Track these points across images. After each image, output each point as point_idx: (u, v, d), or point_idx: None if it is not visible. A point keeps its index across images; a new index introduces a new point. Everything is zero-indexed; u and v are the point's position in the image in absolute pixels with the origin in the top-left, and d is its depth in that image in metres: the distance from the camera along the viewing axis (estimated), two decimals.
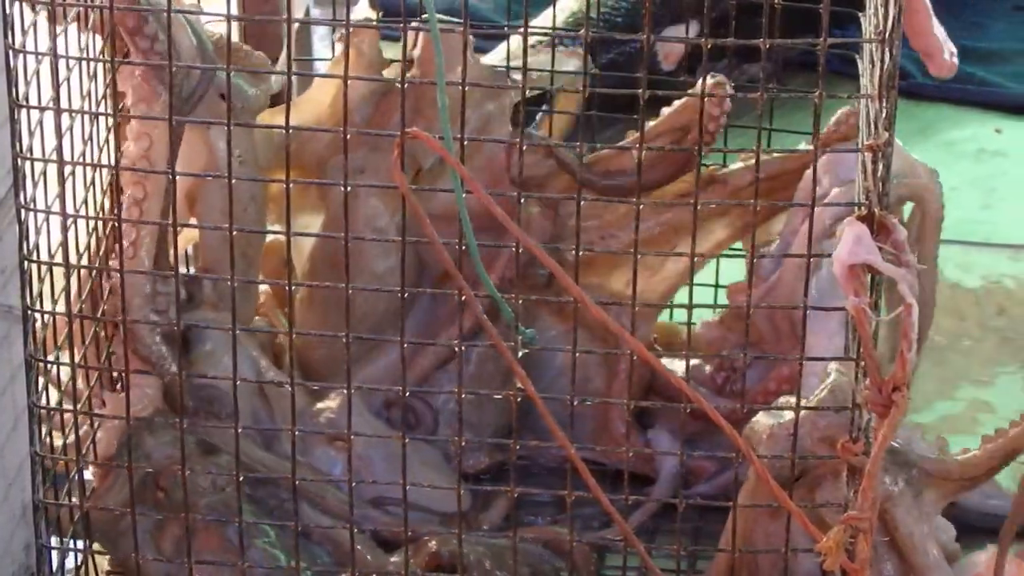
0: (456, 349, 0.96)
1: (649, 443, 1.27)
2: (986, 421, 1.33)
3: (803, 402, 1.04)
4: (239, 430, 0.99)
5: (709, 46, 0.95)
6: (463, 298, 0.94)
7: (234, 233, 1.09)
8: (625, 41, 1.69)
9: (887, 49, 0.90)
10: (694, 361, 1.26)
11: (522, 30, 1.56)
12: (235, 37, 1.61)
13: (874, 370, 0.91)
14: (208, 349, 1.17)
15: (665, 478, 1.25)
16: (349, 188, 0.91)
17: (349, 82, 1.19)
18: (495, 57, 1.71)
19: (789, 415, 1.03)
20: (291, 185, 1.20)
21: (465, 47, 0.89)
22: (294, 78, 1.60)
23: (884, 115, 0.91)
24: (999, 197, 1.66)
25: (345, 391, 1.16)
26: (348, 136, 1.04)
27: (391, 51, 1.25)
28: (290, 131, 1.07)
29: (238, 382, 0.97)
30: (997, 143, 1.76)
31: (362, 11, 2.03)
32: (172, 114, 0.90)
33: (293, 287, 1.25)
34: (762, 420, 1.08)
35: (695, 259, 1.00)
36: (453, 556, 1.01)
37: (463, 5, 1.32)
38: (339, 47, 1.22)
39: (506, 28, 1.31)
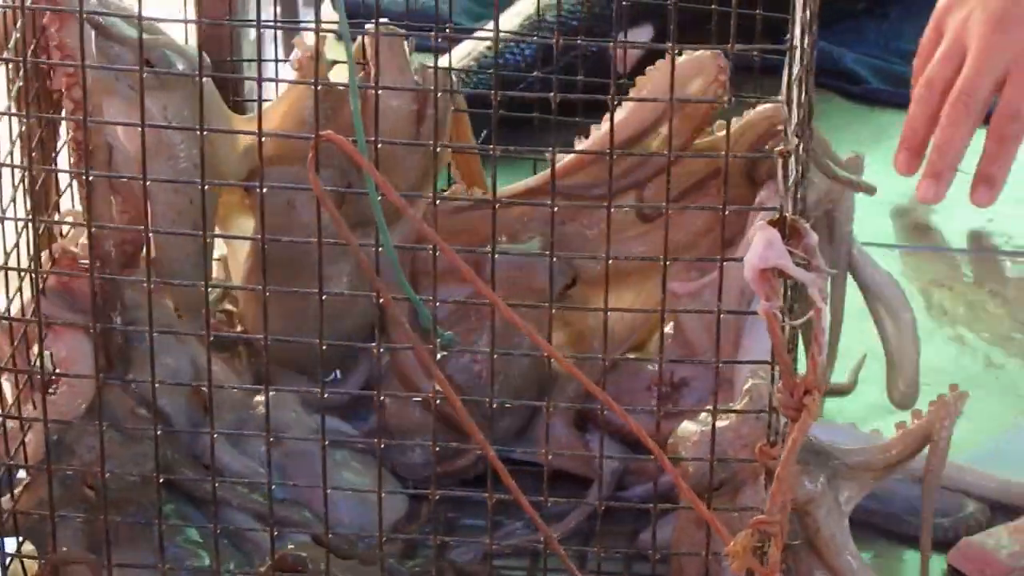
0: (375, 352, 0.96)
1: (587, 445, 1.27)
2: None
3: (701, 431, 1.05)
4: (158, 432, 0.99)
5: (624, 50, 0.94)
6: (380, 300, 0.94)
7: (187, 203, 1.09)
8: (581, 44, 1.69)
9: (793, 56, 0.90)
10: (639, 373, 1.27)
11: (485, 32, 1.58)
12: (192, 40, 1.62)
13: (787, 373, 0.92)
14: (146, 348, 1.17)
15: (609, 483, 1.25)
16: (265, 189, 0.91)
17: (298, 95, 1.20)
18: (455, 57, 1.71)
19: (716, 421, 1.04)
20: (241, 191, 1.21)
21: (376, 49, 0.89)
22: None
23: (794, 122, 0.91)
24: (946, 202, 1.66)
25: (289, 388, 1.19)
26: (288, 150, 1.04)
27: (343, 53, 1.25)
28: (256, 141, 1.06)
29: (157, 384, 0.97)
30: None
31: (325, 13, 2.04)
32: (86, 117, 0.89)
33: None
34: (688, 427, 1.08)
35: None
36: (298, 561, 1.01)
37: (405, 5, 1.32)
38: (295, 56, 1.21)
39: (449, 30, 1.31)
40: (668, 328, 1.29)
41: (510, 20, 1.78)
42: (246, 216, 1.24)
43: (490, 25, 1.68)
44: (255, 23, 0.85)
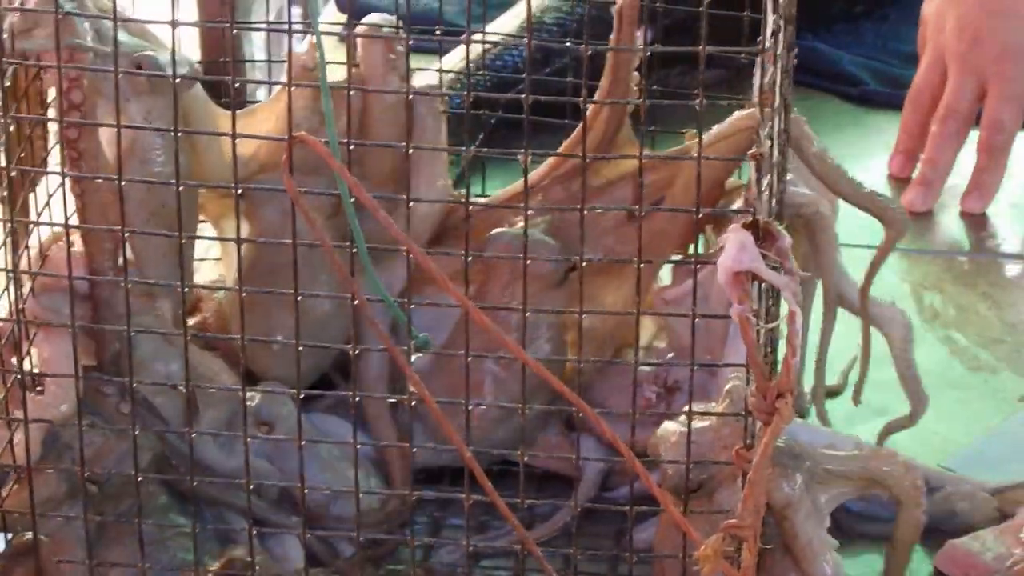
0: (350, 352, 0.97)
1: (573, 445, 1.27)
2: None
3: (706, 409, 1.05)
4: (135, 432, 1.00)
5: (590, 52, 0.95)
6: (355, 302, 0.94)
7: (159, 205, 1.09)
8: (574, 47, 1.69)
9: (764, 61, 0.90)
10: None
11: (477, 35, 1.59)
12: (196, 43, 1.63)
13: (759, 377, 0.92)
14: (139, 355, 1.18)
15: (586, 481, 1.25)
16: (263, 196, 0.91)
17: (294, 96, 1.20)
18: (453, 59, 1.71)
19: (697, 422, 1.03)
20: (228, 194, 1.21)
21: (350, 48, 0.89)
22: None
23: (768, 126, 0.91)
24: (941, 204, 1.67)
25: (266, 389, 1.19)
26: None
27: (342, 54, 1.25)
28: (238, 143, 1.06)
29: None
30: None
31: (329, 14, 2.05)
32: (61, 117, 0.90)
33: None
34: (669, 427, 1.08)
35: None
36: (246, 567, 1.02)
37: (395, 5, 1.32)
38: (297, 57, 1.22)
39: (437, 32, 1.31)
40: (661, 331, 1.30)
41: (509, 22, 1.78)
42: (242, 222, 1.25)
43: (488, 27, 1.68)
44: (228, 23, 0.85)
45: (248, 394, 1.21)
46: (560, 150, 1.26)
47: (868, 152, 1.75)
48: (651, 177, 1.25)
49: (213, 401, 1.18)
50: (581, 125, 1.00)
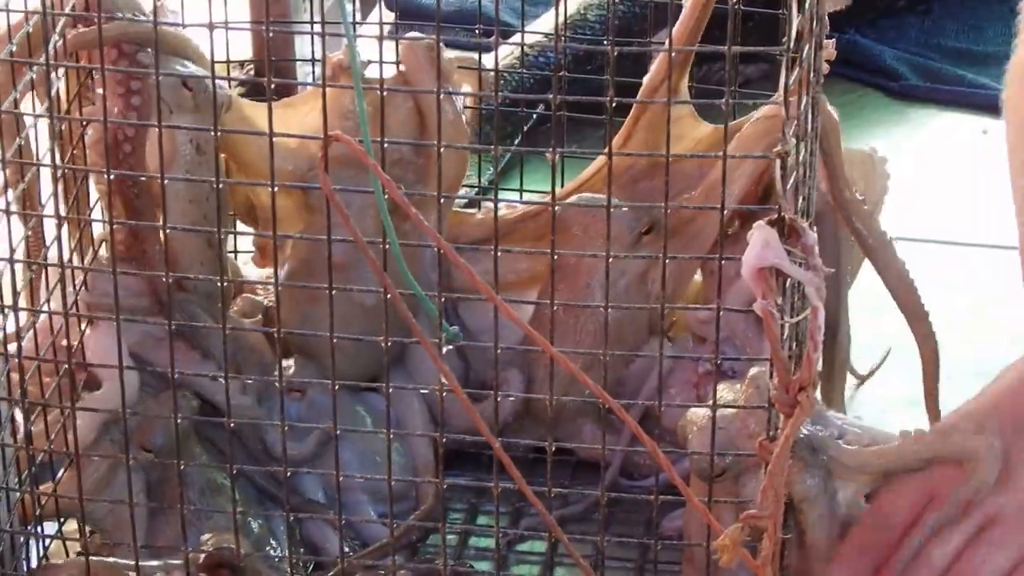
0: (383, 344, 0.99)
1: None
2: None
3: (732, 399, 1.07)
4: (178, 420, 1.03)
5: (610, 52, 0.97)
6: (388, 296, 0.97)
7: (200, 217, 1.12)
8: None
9: (790, 59, 0.92)
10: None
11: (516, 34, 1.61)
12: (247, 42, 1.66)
13: (781, 370, 0.93)
14: (200, 333, 1.21)
15: (614, 469, 1.28)
16: (277, 189, 0.94)
17: (334, 95, 1.23)
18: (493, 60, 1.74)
19: (723, 409, 1.05)
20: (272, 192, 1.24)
21: (381, 50, 0.91)
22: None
23: (793, 124, 0.92)
24: (980, 198, 1.68)
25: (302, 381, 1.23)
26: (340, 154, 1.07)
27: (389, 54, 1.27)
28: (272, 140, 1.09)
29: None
30: (983, 144, 1.77)
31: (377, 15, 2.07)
32: (106, 118, 0.93)
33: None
34: (698, 411, 1.10)
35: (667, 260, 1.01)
36: (232, 556, 1.03)
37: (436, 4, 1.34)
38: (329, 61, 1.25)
39: (478, 31, 1.34)
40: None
41: (551, 20, 1.80)
42: (289, 222, 1.27)
43: (530, 26, 1.70)
44: (264, 23, 0.88)
45: (285, 363, 1.24)
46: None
47: (906, 146, 1.76)
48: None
49: (251, 371, 1.22)
50: (607, 125, 1.01)
